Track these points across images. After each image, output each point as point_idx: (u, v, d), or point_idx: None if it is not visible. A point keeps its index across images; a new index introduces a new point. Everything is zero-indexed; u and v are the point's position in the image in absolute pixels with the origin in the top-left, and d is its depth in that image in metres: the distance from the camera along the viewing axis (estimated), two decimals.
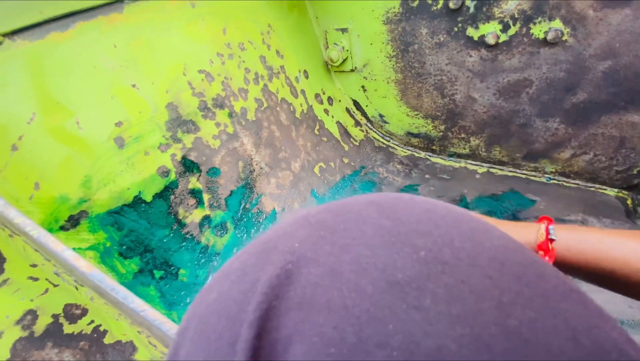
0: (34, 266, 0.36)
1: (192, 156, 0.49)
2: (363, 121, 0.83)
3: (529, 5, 0.51)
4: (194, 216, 0.49)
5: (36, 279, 0.36)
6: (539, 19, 0.52)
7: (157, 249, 0.46)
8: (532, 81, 0.58)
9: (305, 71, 0.72)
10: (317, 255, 0.13)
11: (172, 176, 0.47)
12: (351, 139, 0.79)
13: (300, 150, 0.68)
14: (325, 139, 0.74)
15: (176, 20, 0.50)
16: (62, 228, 0.37)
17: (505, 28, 0.55)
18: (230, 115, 0.55)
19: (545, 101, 0.59)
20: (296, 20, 0.70)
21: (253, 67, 0.60)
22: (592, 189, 0.65)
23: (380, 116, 0.80)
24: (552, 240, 0.30)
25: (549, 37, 0.52)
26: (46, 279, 0.36)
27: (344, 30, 0.70)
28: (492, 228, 0.15)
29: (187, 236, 0.48)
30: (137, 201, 0.43)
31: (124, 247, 0.43)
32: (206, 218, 0.50)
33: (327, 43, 0.74)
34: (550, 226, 0.31)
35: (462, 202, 0.68)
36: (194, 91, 0.50)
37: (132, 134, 0.44)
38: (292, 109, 0.67)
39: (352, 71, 0.75)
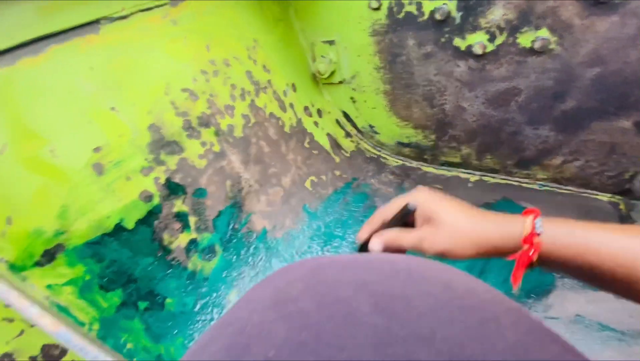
0: (9, 306, 0.33)
1: (177, 178, 0.48)
2: (353, 132, 0.82)
3: (515, 15, 0.51)
4: (179, 241, 0.47)
5: (11, 320, 0.34)
6: (526, 28, 0.52)
7: (141, 279, 0.44)
8: (521, 90, 0.58)
9: (293, 84, 0.71)
10: None
11: (156, 201, 0.45)
12: (342, 151, 0.78)
13: (291, 165, 0.66)
14: (315, 152, 0.72)
15: (157, 38, 0.49)
16: (37, 263, 0.35)
17: (492, 38, 0.54)
18: (216, 133, 0.53)
19: (534, 109, 0.59)
20: (282, 34, 0.69)
21: (239, 83, 0.58)
22: (585, 195, 0.64)
23: (371, 126, 0.79)
24: (537, 234, 0.29)
25: (536, 46, 0.51)
26: (21, 319, 0.34)
27: (330, 42, 0.69)
28: (502, 310, 0.12)
29: (173, 262, 0.46)
30: (119, 229, 0.41)
31: (105, 279, 0.40)
32: (193, 242, 0.48)
33: (314, 56, 0.73)
34: (537, 219, 0.30)
35: None
36: (177, 110, 0.49)
37: (111, 159, 0.42)
38: (280, 124, 0.66)
39: (340, 82, 0.74)
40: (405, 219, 0.36)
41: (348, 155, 0.77)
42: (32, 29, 0.37)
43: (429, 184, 0.73)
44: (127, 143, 0.44)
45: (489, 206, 0.66)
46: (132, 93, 0.45)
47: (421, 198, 0.35)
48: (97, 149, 0.41)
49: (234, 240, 0.52)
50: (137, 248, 0.44)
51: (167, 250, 0.46)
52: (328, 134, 0.76)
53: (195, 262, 0.48)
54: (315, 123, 0.75)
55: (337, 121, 0.80)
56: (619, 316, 0.46)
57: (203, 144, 0.51)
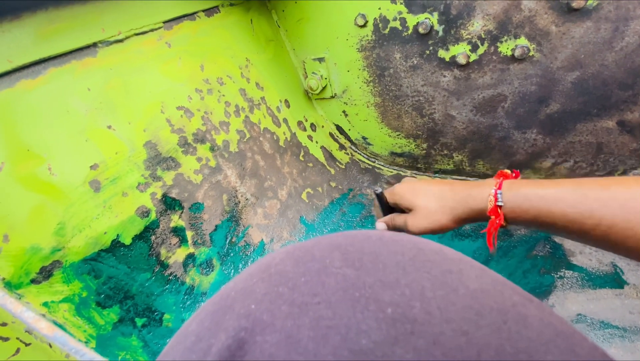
0: (4, 325, 0.33)
1: (174, 193, 0.48)
2: (347, 144, 0.84)
3: (494, 25, 0.54)
4: (177, 256, 0.47)
5: (6, 339, 0.33)
6: (505, 37, 0.54)
7: (139, 295, 0.44)
8: (506, 96, 0.60)
9: (286, 100, 0.73)
10: (273, 318, 0.12)
11: (153, 216, 0.46)
12: (337, 163, 0.79)
13: (287, 177, 0.67)
14: (311, 164, 0.74)
15: (152, 60, 0.51)
16: (33, 281, 0.35)
17: (474, 48, 0.57)
18: (212, 149, 0.54)
19: (520, 114, 0.60)
20: (274, 53, 0.72)
21: (233, 100, 0.60)
22: None
23: (364, 138, 0.80)
24: (499, 206, 0.33)
25: (516, 53, 0.54)
26: (17, 338, 0.33)
27: (320, 59, 0.72)
28: (467, 266, 0.14)
29: (171, 277, 0.46)
30: (116, 245, 0.42)
31: (102, 296, 0.40)
32: (190, 257, 0.48)
33: (305, 73, 0.76)
34: (499, 192, 0.34)
35: None
36: (173, 127, 0.50)
37: (108, 176, 0.43)
38: (275, 138, 0.67)
39: (332, 97, 0.76)
40: (385, 203, 0.46)
41: (343, 167, 0.79)
42: (31, 53, 0.39)
43: None
44: (124, 160, 0.45)
45: None
46: (128, 112, 0.46)
47: (401, 189, 0.44)
48: (94, 167, 0.42)
49: (232, 254, 0.52)
50: (134, 264, 0.44)
51: (164, 265, 0.46)
52: (322, 147, 0.78)
53: (193, 277, 0.48)
54: (310, 137, 0.76)
55: (331, 134, 0.82)
56: (619, 313, 0.45)
57: (199, 159, 0.52)
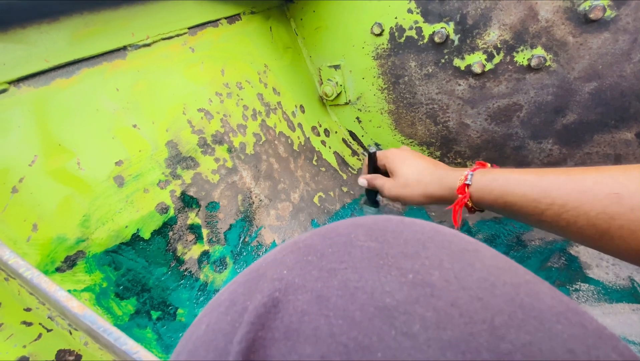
0: (28, 310, 0.35)
1: (192, 192, 0.50)
2: (360, 150, 0.84)
3: (510, 35, 0.54)
4: (192, 252, 0.48)
5: (30, 324, 0.35)
6: (521, 47, 0.55)
7: (155, 289, 0.45)
8: (522, 105, 0.60)
9: (301, 106, 0.74)
10: (304, 281, 0.13)
11: (171, 212, 0.47)
12: (349, 168, 0.80)
13: (300, 181, 0.68)
14: (323, 169, 0.74)
15: (177, 64, 0.53)
16: (58, 269, 0.37)
17: (490, 57, 0.57)
18: (229, 150, 0.56)
19: (536, 124, 0.60)
20: (291, 60, 0.74)
21: (251, 104, 0.62)
22: None
23: (377, 145, 0.81)
24: (467, 185, 0.37)
25: (533, 63, 0.54)
26: (40, 323, 0.35)
27: (336, 67, 0.73)
28: (483, 248, 0.15)
29: (186, 273, 0.47)
30: (135, 238, 0.43)
31: (121, 287, 0.42)
32: (205, 254, 0.49)
33: (321, 79, 0.77)
34: (470, 173, 0.37)
35: (464, 226, 0.67)
36: (193, 128, 0.52)
37: (131, 172, 0.44)
38: (290, 142, 0.69)
39: (346, 104, 0.78)
40: (375, 162, 0.51)
41: (355, 172, 0.79)
42: (66, 53, 0.41)
43: None
44: (147, 158, 0.46)
45: (498, 220, 0.66)
46: (152, 112, 0.48)
47: (390, 154, 0.48)
48: (118, 163, 0.44)
49: (244, 253, 0.53)
50: (152, 258, 0.45)
51: (180, 261, 0.48)
52: (335, 153, 0.79)
53: (207, 273, 0.49)
54: (323, 142, 0.77)
55: (344, 140, 0.83)
56: (636, 328, 0.44)
57: (216, 160, 0.54)
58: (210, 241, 0.50)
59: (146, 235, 0.45)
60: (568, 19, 0.49)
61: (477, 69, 0.58)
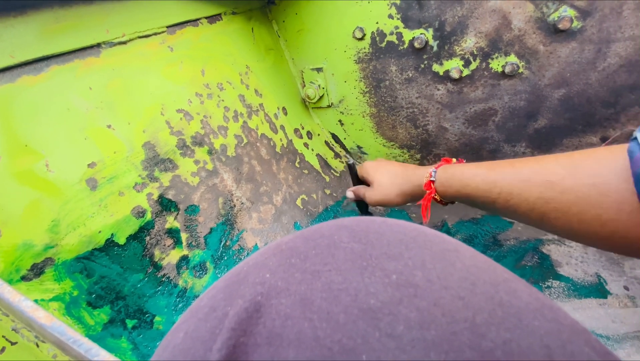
0: None
1: (170, 195, 0.48)
2: (342, 152, 0.85)
3: (486, 43, 0.56)
4: (170, 258, 0.47)
5: None
6: (496, 54, 0.57)
7: (130, 296, 0.43)
8: (497, 110, 0.62)
9: (284, 108, 0.74)
10: (287, 284, 0.13)
11: (148, 216, 0.45)
12: (332, 171, 0.80)
13: (282, 183, 0.68)
14: (306, 171, 0.74)
15: (154, 62, 0.52)
16: (23, 278, 0.35)
17: (467, 63, 0.59)
18: (209, 152, 0.55)
19: (510, 128, 0.63)
20: (273, 61, 0.73)
21: (232, 105, 0.61)
22: None
23: (359, 147, 0.82)
24: (432, 181, 0.42)
25: (507, 70, 0.56)
26: (2, 336, 0.33)
27: (319, 69, 0.74)
28: (463, 248, 0.15)
29: (164, 279, 0.46)
30: (110, 244, 0.41)
31: (93, 295, 0.39)
32: (184, 259, 0.48)
33: (303, 82, 0.77)
34: (434, 170, 0.42)
35: (444, 227, 0.69)
36: (172, 129, 0.50)
37: (105, 175, 0.43)
38: (272, 144, 0.68)
39: (328, 106, 0.78)
40: (355, 175, 0.57)
41: (338, 174, 0.80)
42: (34, 49, 0.39)
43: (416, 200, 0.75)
44: (122, 160, 0.45)
45: (475, 221, 0.68)
46: (128, 112, 0.47)
47: (366, 166, 0.54)
48: (91, 165, 0.42)
49: (225, 257, 0.52)
50: (128, 264, 0.43)
51: (157, 267, 0.46)
52: (318, 155, 0.79)
53: (186, 279, 0.48)
54: (306, 144, 0.77)
55: (326, 143, 0.83)
56: (603, 322, 0.47)
57: (196, 162, 0.52)
58: (189, 246, 0.48)
59: (121, 240, 0.43)
60: (539, 29, 0.52)
61: (454, 75, 0.60)
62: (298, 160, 0.74)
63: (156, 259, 0.46)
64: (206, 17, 0.59)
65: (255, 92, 0.67)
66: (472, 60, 0.59)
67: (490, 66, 0.58)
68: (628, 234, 0.25)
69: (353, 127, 0.79)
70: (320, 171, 0.77)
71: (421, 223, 0.69)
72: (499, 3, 0.52)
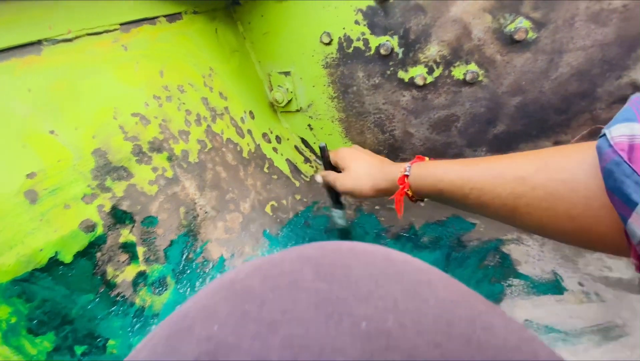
0: None
1: (124, 206, 0.45)
2: (312, 157, 0.84)
3: (448, 51, 0.58)
4: (126, 274, 0.43)
5: None
6: (458, 62, 0.59)
7: (79, 319, 0.39)
8: (459, 116, 0.64)
9: (251, 112, 0.72)
10: (239, 340, 0.11)
11: (99, 230, 0.42)
12: (302, 176, 0.79)
13: (250, 190, 0.65)
14: (275, 177, 0.73)
15: (105, 63, 0.48)
16: None
17: (431, 71, 0.61)
18: (169, 158, 0.52)
19: (471, 133, 0.65)
20: (238, 64, 0.71)
21: (194, 108, 0.58)
22: None
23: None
24: (406, 175, 0.42)
25: (468, 78, 0.58)
26: None
27: (286, 73, 0.72)
28: (435, 276, 0.14)
29: (118, 298, 0.42)
30: (53, 263, 0.37)
31: (35, 321, 0.35)
32: (141, 275, 0.44)
33: (271, 85, 0.76)
34: (409, 165, 0.43)
35: (411, 230, 0.70)
36: (126, 135, 0.47)
37: (48, 186, 0.38)
38: (239, 149, 0.66)
39: (297, 111, 0.77)
40: (327, 159, 0.55)
41: (308, 179, 0.79)
42: None
43: (385, 205, 0.76)
44: (68, 169, 0.41)
45: (441, 223, 0.70)
46: (75, 117, 0.43)
47: (342, 152, 0.53)
48: (31, 175, 0.37)
49: (188, 271, 0.49)
50: (75, 284, 0.39)
51: (110, 285, 0.42)
52: (287, 160, 0.77)
53: (143, 297, 0.44)
54: (275, 149, 0.76)
55: (296, 147, 0.82)
56: (561, 318, 0.49)
57: (154, 169, 0.49)
58: (147, 260, 0.45)
59: (67, 258, 0.39)
60: (497, 39, 0.54)
61: (419, 82, 0.61)
62: (267, 165, 0.72)
63: (109, 277, 0.42)
64: (165, 16, 0.56)
65: (220, 95, 0.64)
66: (435, 67, 0.60)
67: (452, 73, 0.60)
68: (596, 229, 0.26)
69: (322, 131, 0.78)
70: (290, 176, 0.76)
71: (391, 227, 0.69)
72: (459, 13, 0.54)
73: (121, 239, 0.43)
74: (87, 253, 0.41)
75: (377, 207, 0.76)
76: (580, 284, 0.53)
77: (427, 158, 0.45)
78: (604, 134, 0.25)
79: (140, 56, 0.51)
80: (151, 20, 0.54)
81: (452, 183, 0.36)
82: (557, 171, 0.28)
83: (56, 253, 0.38)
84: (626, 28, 0.46)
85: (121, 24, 0.50)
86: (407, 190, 0.42)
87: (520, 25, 0.51)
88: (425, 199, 0.45)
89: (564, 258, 0.59)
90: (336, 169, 0.55)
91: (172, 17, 0.58)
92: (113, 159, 0.45)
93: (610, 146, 0.24)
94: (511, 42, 0.53)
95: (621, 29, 0.46)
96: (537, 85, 0.56)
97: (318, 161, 0.84)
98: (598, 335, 0.45)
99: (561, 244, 0.62)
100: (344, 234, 0.66)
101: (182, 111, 0.55)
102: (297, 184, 0.76)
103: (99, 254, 0.42)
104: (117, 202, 0.44)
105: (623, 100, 0.53)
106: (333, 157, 0.54)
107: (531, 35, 0.52)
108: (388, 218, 0.72)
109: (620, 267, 0.54)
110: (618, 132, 0.24)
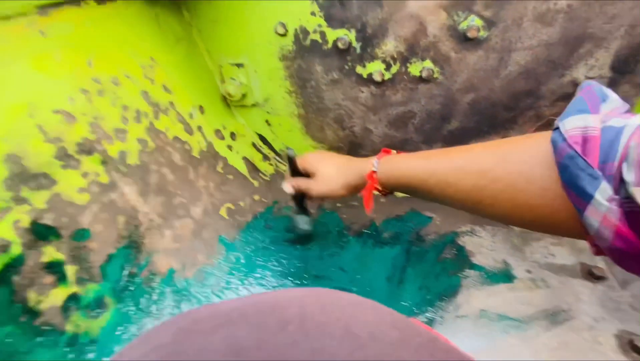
0: None
1: (47, 219, 0.38)
2: (271, 154, 0.80)
3: (404, 47, 0.58)
4: (52, 299, 0.37)
5: None
6: (414, 59, 0.58)
7: None
8: (415, 113, 0.64)
9: (200, 107, 0.66)
10: None
11: (16, 250, 0.35)
12: (260, 175, 0.75)
13: (202, 192, 0.60)
14: (231, 176, 0.68)
15: (18, 51, 0.40)
16: None
17: (388, 67, 0.60)
18: (103, 162, 0.45)
19: (427, 130, 0.66)
20: (185, 53, 0.65)
21: (133, 104, 0.52)
22: None
23: (288, 148, 0.78)
24: (374, 171, 0.43)
25: (424, 74, 0.59)
26: None
27: (239, 65, 0.68)
28: (409, 353, 0.11)
29: (44, 327, 0.36)
30: None
31: None
32: (72, 298, 0.38)
33: (223, 78, 0.70)
34: (376, 160, 0.43)
35: (372, 226, 0.70)
36: (46, 136, 0.40)
37: None
38: (187, 148, 0.60)
39: (253, 105, 0.73)
40: (294, 166, 0.54)
41: (268, 178, 0.75)
42: None
43: (347, 202, 0.75)
44: None
45: (400, 218, 0.71)
46: None
47: (308, 157, 0.53)
48: None
49: (131, 288, 0.44)
50: None
51: (34, 313, 0.36)
52: (244, 158, 0.73)
53: (76, 323, 0.39)
54: (229, 147, 0.71)
55: (254, 144, 0.78)
56: (513, 305, 0.52)
57: (85, 175, 0.43)
58: (79, 281, 0.39)
59: None
60: (451, 36, 0.55)
61: (377, 78, 0.60)
62: (221, 164, 0.67)
63: (31, 304, 0.36)
64: None
65: (164, 88, 0.58)
66: (392, 63, 0.60)
67: (409, 70, 0.60)
68: (555, 217, 0.27)
69: (281, 128, 0.75)
70: (248, 176, 0.72)
71: (353, 224, 0.68)
72: (416, 9, 0.53)
73: (45, 259, 0.37)
74: (1, 278, 0.34)
75: (338, 204, 0.75)
76: (528, 271, 0.57)
77: (393, 151, 0.46)
78: (557, 127, 0.25)
79: (62, 44, 0.44)
80: (75, 1, 0.46)
81: (417, 178, 0.37)
82: (515, 164, 0.29)
83: None
84: (570, 28, 0.49)
85: (38, 7, 0.42)
86: (377, 185, 0.43)
87: (472, 23, 0.51)
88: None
89: (513, 247, 0.62)
90: (301, 175, 0.54)
91: None
92: (31, 165, 0.38)
93: (565, 139, 0.24)
94: (464, 40, 0.54)
95: (566, 29, 0.49)
96: (488, 83, 0.58)
97: (277, 158, 0.81)
98: (546, 320, 0.48)
99: (510, 235, 0.66)
100: (306, 238, 0.64)
101: (117, 106, 0.49)
102: (256, 183, 0.72)
103: (16, 278, 0.35)
104: (37, 215, 0.37)
105: (565, 98, 0.57)
106: (300, 163, 0.54)
107: (482, 33, 0.53)
108: (350, 215, 0.72)
109: (563, 254, 0.59)
110: (571, 124, 0.24)
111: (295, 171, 0.54)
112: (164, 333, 0.12)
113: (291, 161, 0.54)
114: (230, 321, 0.11)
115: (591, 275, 0.54)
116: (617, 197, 0.21)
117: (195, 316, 0.12)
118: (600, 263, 0.56)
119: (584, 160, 0.22)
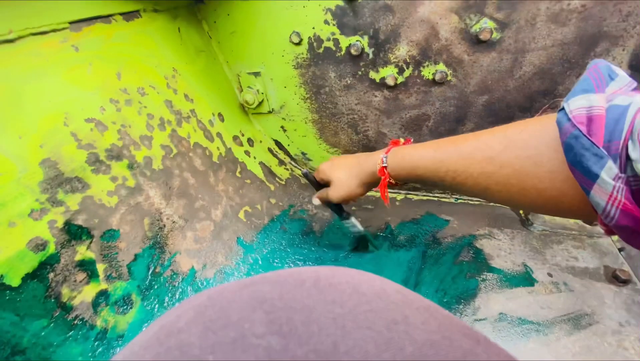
0: None
1: (80, 220, 0.41)
2: (287, 159, 0.82)
3: (417, 51, 0.58)
4: (84, 295, 0.39)
5: None
6: (427, 63, 0.59)
7: (32, 348, 0.35)
8: (430, 115, 0.65)
9: (220, 114, 0.69)
10: None
11: (51, 249, 0.38)
12: (276, 179, 0.77)
13: (221, 196, 0.63)
14: (248, 181, 0.70)
15: (54, 65, 0.44)
16: None
17: (401, 71, 0.61)
18: (130, 166, 0.48)
19: (442, 132, 0.66)
20: (205, 64, 0.68)
21: (157, 112, 0.55)
22: (491, 205, 0.73)
23: (303, 153, 0.80)
24: (384, 166, 0.44)
25: (437, 77, 0.59)
26: None
27: (256, 74, 0.70)
28: (412, 311, 0.12)
29: (76, 322, 0.39)
30: None
31: None
32: (102, 294, 0.41)
33: (240, 86, 0.73)
34: (385, 155, 0.44)
35: (387, 229, 0.70)
36: (80, 142, 0.43)
37: None
38: (208, 154, 0.63)
39: (269, 112, 0.75)
40: (315, 181, 0.57)
41: (283, 182, 0.77)
42: None
43: (361, 205, 0.76)
44: (11, 182, 0.37)
45: (416, 221, 0.71)
46: (18, 124, 0.39)
47: (323, 167, 0.55)
48: None
49: (156, 286, 0.46)
50: (25, 310, 0.35)
51: (67, 308, 0.38)
52: (261, 163, 0.75)
53: (106, 318, 0.41)
54: (247, 152, 0.73)
55: (270, 150, 0.80)
56: (533, 309, 0.51)
57: (113, 179, 0.45)
58: (108, 278, 0.42)
59: (14, 282, 0.35)
60: (463, 39, 0.55)
61: (390, 82, 0.61)
62: (239, 169, 0.69)
63: (65, 300, 0.38)
64: (120, 14, 0.52)
65: (185, 97, 0.61)
66: (405, 68, 0.61)
67: (422, 73, 0.60)
68: (564, 199, 0.27)
69: (296, 133, 0.77)
70: (264, 180, 0.74)
71: (368, 227, 0.69)
72: (427, 14, 0.54)
73: (77, 257, 0.40)
74: (38, 274, 0.37)
75: (353, 208, 0.76)
76: (549, 275, 0.55)
77: (401, 140, 0.47)
78: (563, 108, 0.25)
79: (93, 57, 0.47)
80: (105, 18, 0.50)
81: (427, 168, 0.37)
82: (522, 148, 0.29)
83: (1, 276, 0.34)
84: (585, 27, 0.48)
85: (71, 23, 0.46)
86: (389, 179, 0.44)
87: (485, 25, 0.52)
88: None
89: (533, 250, 0.61)
90: (324, 187, 0.57)
91: (128, 16, 0.54)
92: (65, 170, 0.41)
93: (569, 119, 0.24)
94: (477, 42, 0.54)
95: (580, 29, 0.49)
96: (503, 84, 0.57)
97: (293, 163, 0.83)
98: (569, 324, 0.47)
99: (529, 237, 0.64)
100: (361, 239, 0.65)
101: (143, 115, 0.52)
102: (272, 187, 0.74)
103: (51, 275, 0.38)
104: (71, 216, 0.40)
105: None
106: (317, 176, 0.56)
107: (495, 35, 0.53)
108: (365, 218, 0.72)
109: (585, 257, 0.57)
110: (576, 104, 0.24)
111: (319, 184, 0.57)
112: (199, 295, 0.13)
113: (309, 178, 0.57)
114: (254, 282, 0.13)
115: (616, 278, 0.52)
116: (623, 175, 0.20)
117: (223, 285, 0.13)
118: (625, 265, 0.54)
119: (589, 139, 0.22)
